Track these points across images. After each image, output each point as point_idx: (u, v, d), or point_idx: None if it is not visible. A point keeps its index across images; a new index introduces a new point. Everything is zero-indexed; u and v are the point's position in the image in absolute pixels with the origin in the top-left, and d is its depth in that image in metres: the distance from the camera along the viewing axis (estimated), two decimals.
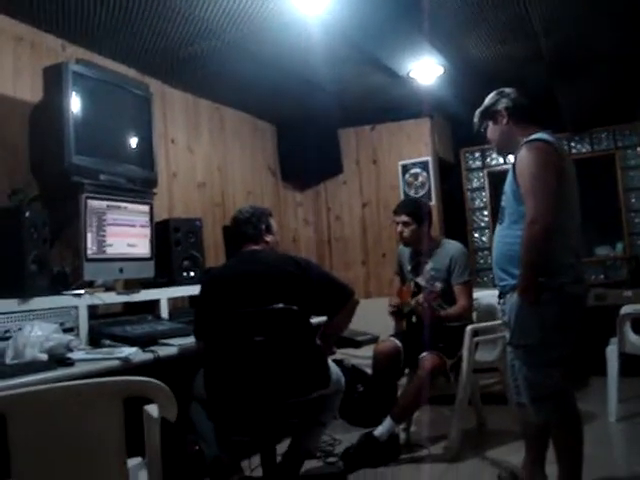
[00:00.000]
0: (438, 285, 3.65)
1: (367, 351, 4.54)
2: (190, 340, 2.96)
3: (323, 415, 3.04)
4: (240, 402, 2.76)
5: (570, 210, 2.61)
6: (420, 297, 3.41)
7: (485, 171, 6.53)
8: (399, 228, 3.77)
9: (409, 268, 3.87)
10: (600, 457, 3.18)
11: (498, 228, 2.75)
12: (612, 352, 3.99)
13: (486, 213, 6.54)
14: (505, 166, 6.43)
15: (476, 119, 2.86)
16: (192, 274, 3.77)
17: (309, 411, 2.94)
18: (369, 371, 4.41)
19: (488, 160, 6.53)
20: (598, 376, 4.36)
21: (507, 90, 2.80)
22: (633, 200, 6.00)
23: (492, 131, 2.81)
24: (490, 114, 2.80)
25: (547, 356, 2.56)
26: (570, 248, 2.59)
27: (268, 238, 3.08)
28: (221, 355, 2.76)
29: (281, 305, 2.70)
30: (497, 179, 6.69)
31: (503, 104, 2.76)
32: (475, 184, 6.60)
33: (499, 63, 4.64)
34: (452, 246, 3.79)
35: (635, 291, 5.03)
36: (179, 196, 4.39)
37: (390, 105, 5.55)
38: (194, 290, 3.25)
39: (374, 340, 4.35)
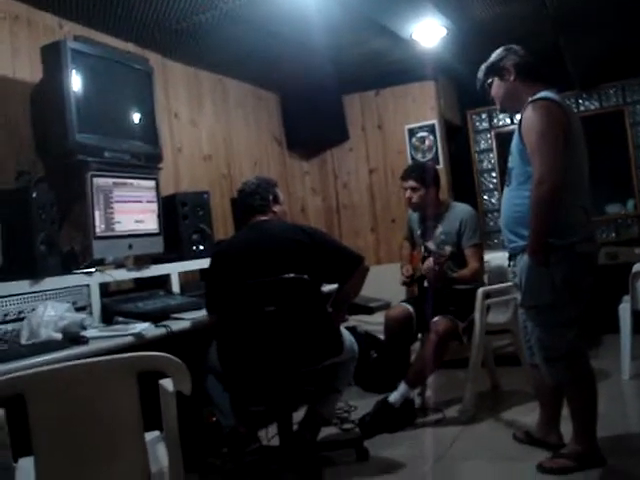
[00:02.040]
0: (447, 249, 3.64)
1: (380, 317, 4.56)
2: (202, 313, 2.98)
3: (338, 382, 3.07)
4: (255, 372, 2.79)
5: (578, 169, 2.58)
6: (429, 261, 3.39)
7: (492, 132, 6.45)
8: (408, 194, 3.75)
9: (419, 233, 3.86)
10: (613, 414, 3.19)
11: (506, 190, 2.73)
12: (625, 310, 3.98)
13: (494, 175, 6.48)
14: (513, 126, 6.35)
15: (481, 74, 2.82)
16: (201, 247, 3.77)
17: (324, 379, 2.97)
18: (382, 337, 4.46)
19: (495, 121, 6.45)
20: (611, 334, 4.36)
21: (515, 47, 2.76)
22: None
23: (497, 87, 2.77)
24: (497, 70, 2.75)
25: (559, 316, 2.56)
26: (580, 207, 2.57)
27: (276, 208, 3.08)
28: (234, 327, 2.78)
29: (291, 275, 2.70)
30: (505, 140, 6.60)
31: (511, 60, 2.72)
32: (483, 146, 6.53)
33: (503, 22, 4.54)
34: (461, 209, 3.77)
35: None
36: (185, 170, 4.37)
37: (394, 69, 5.48)
38: (204, 263, 3.26)
39: (386, 306, 4.37)
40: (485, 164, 6.53)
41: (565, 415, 2.80)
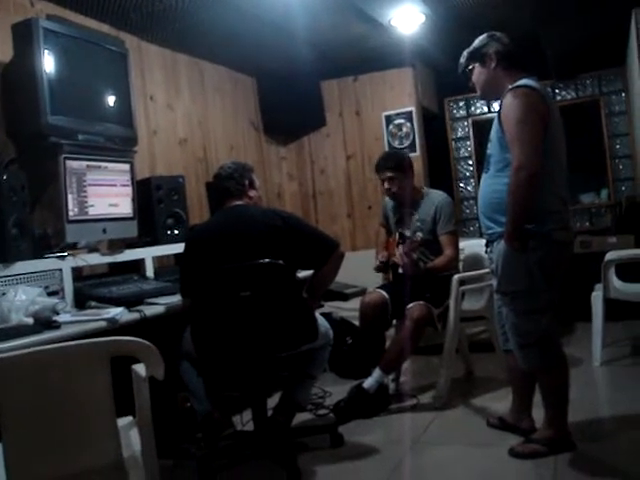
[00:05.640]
0: (419, 235, 3.66)
1: (355, 304, 4.56)
2: (177, 298, 2.96)
3: (312, 368, 3.07)
4: (229, 357, 2.78)
5: (557, 156, 2.59)
6: (400, 248, 3.40)
7: (470, 120, 6.48)
8: (386, 185, 3.73)
9: (394, 220, 3.86)
10: (584, 400, 3.24)
11: (484, 176, 2.74)
12: (597, 298, 4.03)
13: (471, 162, 6.52)
14: (490, 114, 6.39)
15: (463, 59, 2.81)
16: (176, 232, 3.74)
17: (298, 364, 2.96)
18: (357, 323, 4.48)
19: (472, 109, 6.48)
20: (583, 322, 4.42)
21: (498, 34, 2.76)
22: (618, 146, 5.99)
23: (478, 74, 2.77)
24: (479, 56, 2.75)
25: (534, 302, 2.58)
26: (557, 194, 2.59)
27: (251, 193, 3.06)
28: (208, 312, 2.76)
29: (266, 260, 2.69)
30: (482, 128, 6.65)
31: (494, 47, 2.72)
32: (460, 133, 6.56)
33: (482, 10, 4.55)
34: (436, 196, 3.77)
35: (620, 237, 5.06)
36: (160, 153, 4.32)
37: (372, 55, 5.46)
38: (179, 248, 3.23)
39: (362, 292, 4.37)
40: (462, 152, 6.56)
41: (537, 401, 2.83)
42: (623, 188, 5.96)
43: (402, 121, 5.83)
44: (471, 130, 6.47)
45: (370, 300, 3.67)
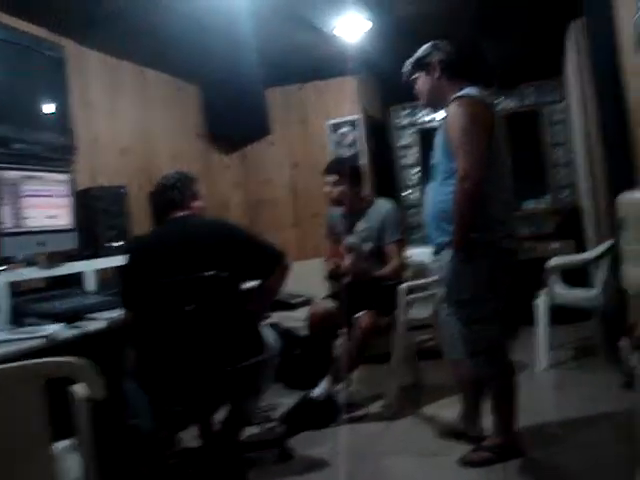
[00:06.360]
0: (368, 245, 3.65)
1: (302, 313, 4.52)
2: (120, 313, 2.85)
3: (260, 381, 3.00)
4: (173, 373, 2.69)
5: (502, 165, 2.62)
6: (348, 258, 3.38)
7: (415, 128, 6.54)
8: (327, 188, 3.72)
9: (341, 229, 3.83)
10: (531, 405, 3.25)
11: (430, 186, 2.75)
12: (541, 303, 4.09)
13: (416, 170, 6.58)
14: (435, 123, 6.45)
15: (406, 69, 2.82)
16: (118, 244, 3.63)
17: (245, 378, 2.90)
18: (304, 333, 4.43)
19: (417, 117, 6.54)
20: (527, 326, 4.48)
21: (441, 43, 2.77)
22: (558, 154, 6.14)
23: (423, 83, 2.77)
24: (422, 65, 2.76)
25: (481, 311, 2.59)
26: (502, 203, 2.61)
27: (195, 204, 2.98)
28: (151, 326, 2.68)
29: (211, 272, 2.63)
30: (427, 136, 6.72)
31: (437, 57, 2.73)
32: (405, 141, 6.61)
33: (425, 19, 4.58)
34: (383, 205, 3.76)
35: (561, 243, 5.18)
36: (102, 163, 4.19)
37: (317, 63, 5.44)
38: (121, 261, 3.13)
39: (308, 302, 4.34)
40: (407, 160, 6.61)
41: (486, 408, 2.84)
42: (564, 196, 6.11)
43: (347, 129, 5.83)
44: (416, 138, 6.53)
45: (318, 311, 3.65)
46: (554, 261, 3.97)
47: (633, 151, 3.18)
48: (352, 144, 5.82)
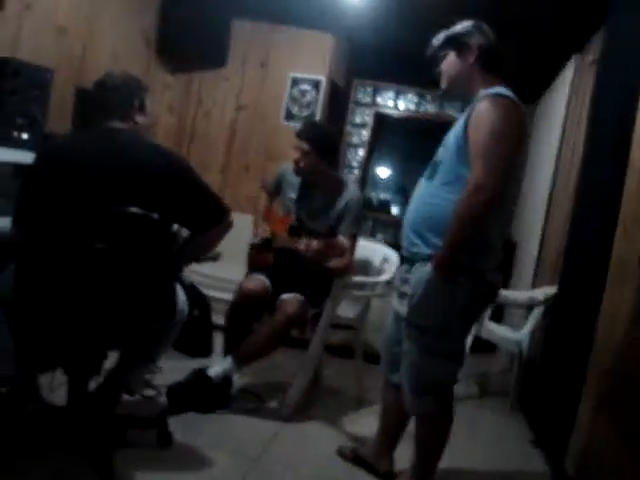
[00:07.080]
0: (324, 226, 3.16)
1: (206, 268, 4.15)
2: (5, 223, 2.25)
3: (156, 349, 2.52)
4: (57, 316, 2.13)
5: (515, 189, 2.23)
6: (315, 243, 2.85)
7: (373, 109, 6.12)
8: (296, 155, 3.15)
9: (293, 197, 3.29)
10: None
11: (424, 184, 2.30)
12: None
13: (361, 152, 6.17)
14: (394, 111, 6.07)
15: (437, 42, 2.34)
16: (26, 136, 2.99)
17: (141, 343, 2.39)
18: (205, 291, 3.97)
19: (379, 99, 6.11)
20: None
21: (484, 26, 2.31)
22: None
23: (451, 64, 2.31)
24: (458, 44, 2.29)
25: (447, 344, 2.20)
26: (502, 228, 2.23)
27: (139, 118, 2.38)
28: (46, 255, 2.11)
29: (138, 210, 2.09)
30: (382, 121, 6.35)
31: (477, 39, 2.28)
32: (358, 119, 6.18)
33: (430, 8, 4.11)
34: (351, 192, 3.20)
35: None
36: (30, 34, 3.45)
37: (295, 6, 4.84)
38: (25, 157, 2.52)
39: (215, 257, 3.83)
40: (355, 138, 6.19)
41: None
42: None
43: (308, 88, 5.32)
44: (372, 119, 6.12)
45: (251, 287, 3.11)
46: (503, 295, 3.65)
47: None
48: (308, 105, 5.32)
